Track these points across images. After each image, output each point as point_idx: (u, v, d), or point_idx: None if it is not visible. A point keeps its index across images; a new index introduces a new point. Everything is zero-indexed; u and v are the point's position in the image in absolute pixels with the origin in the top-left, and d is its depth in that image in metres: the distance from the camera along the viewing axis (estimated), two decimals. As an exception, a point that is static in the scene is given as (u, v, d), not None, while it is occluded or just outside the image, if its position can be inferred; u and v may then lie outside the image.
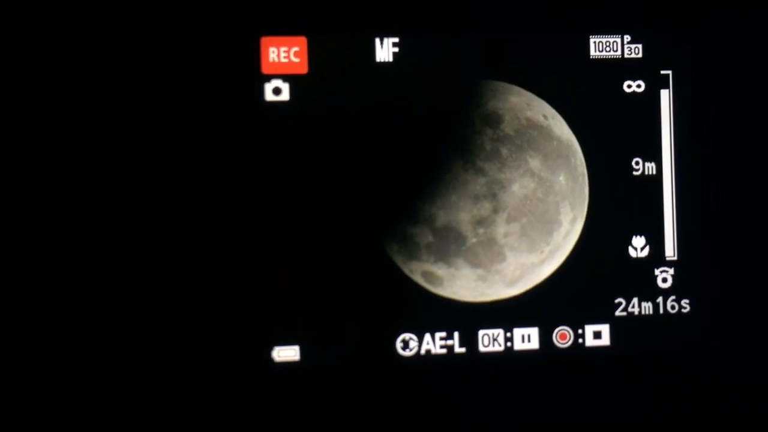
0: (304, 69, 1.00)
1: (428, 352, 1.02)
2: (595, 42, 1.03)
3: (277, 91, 1.00)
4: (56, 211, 0.99)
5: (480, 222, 1.00)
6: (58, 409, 0.99)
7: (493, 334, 1.03)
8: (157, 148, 1.00)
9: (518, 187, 1.01)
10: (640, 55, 1.04)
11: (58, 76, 0.99)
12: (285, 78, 1.00)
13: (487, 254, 1.01)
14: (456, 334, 1.02)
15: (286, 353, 1.01)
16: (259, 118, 1.00)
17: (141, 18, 0.99)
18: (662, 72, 1.04)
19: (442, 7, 1.02)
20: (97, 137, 0.99)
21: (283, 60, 1.00)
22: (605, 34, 1.04)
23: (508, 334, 1.03)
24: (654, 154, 1.04)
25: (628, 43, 1.03)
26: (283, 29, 1.00)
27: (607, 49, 1.04)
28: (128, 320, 0.99)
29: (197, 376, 1.00)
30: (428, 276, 1.01)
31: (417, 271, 1.01)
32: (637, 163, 1.03)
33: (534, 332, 1.03)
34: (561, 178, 1.03)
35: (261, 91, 1.00)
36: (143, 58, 0.99)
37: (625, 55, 1.04)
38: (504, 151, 1.01)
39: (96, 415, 0.99)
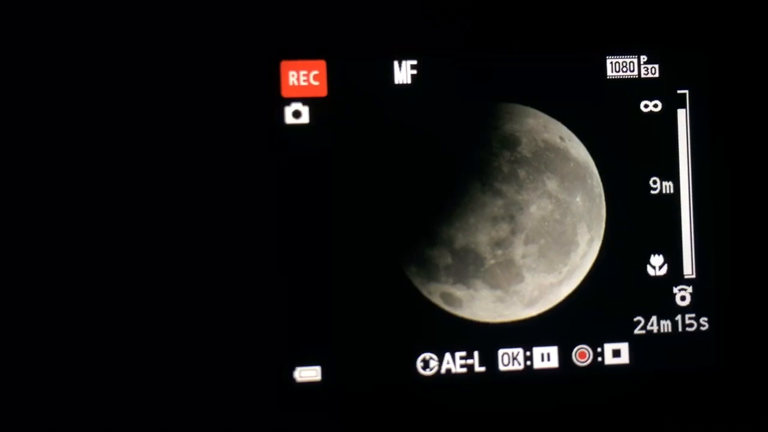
0: (323, 92, 1.01)
1: (448, 371, 1.02)
2: (611, 62, 1.04)
3: (297, 114, 1.01)
4: (77, 229, 0.99)
5: (498, 243, 1.01)
6: (76, 418, 0.99)
7: (512, 353, 1.03)
8: (179, 169, 1.00)
9: (536, 209, 1.01)
10: (656, 75, 1.04)
11: (80, 95, 0.99)
12: (305, 101, 1.01)
13: (505, 275, 1.02)
14: (476, 354, 1.02)
15: (308, 373, 1.01)
16: (279, 141, 1.01)
17: (166, 42, 1.00)
18: (679, 91, 1.04)
19: (460, 29, 1.03)
20: (120, 159, 0.99)
21: (302, 83, 1.01)
22: (622, 55, 1.04)
23: (528, 353, 1.03)
24: (671, 173, 1.04)
25: (645, 63, 1.04)
26: (303, 53, 1.01)
27: (624, 69, 1.04)
28: (150, 341, 0.99)
29: (220, 396, 1.00)
30: (447, 297, 1.02)
31: (436, 293, 1.02)
32: (654, 182, 1.03)
33: (553, 351, 1.03)
34: (578, 200, 1.03)
35: (281, 114, 1.01)
36: (167, 82, 1.00)
37: (642, 75, 1.04)
38: (521, 173, 1.01)
39: (113, 430, 0.99)
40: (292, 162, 1.01)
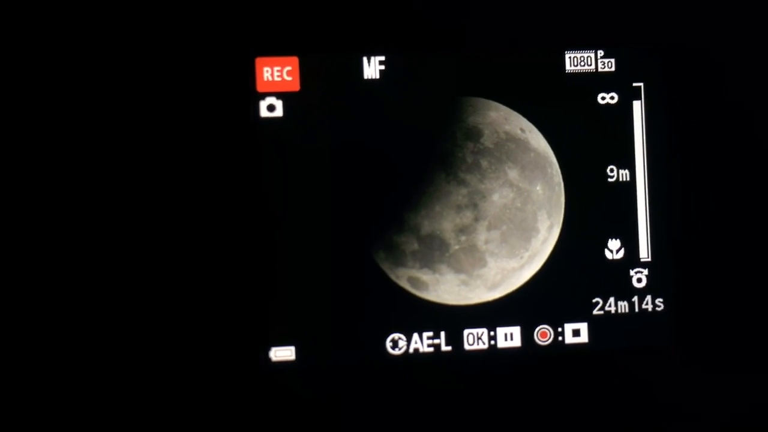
0: (296, 87, 1.02)
1: (416, 350, 1.03)
2: (570, 57, 1.05)
3: (271, 107, 1.02)
4: (59, 211, 0.99)
5: (462, 230, 1.02)
6: (54, 405, 1.00)
7: (477, 333, 1.04)
8: (160, 158, 1.00)
9: (498, 197, 1.02)
10: (613, 69, 1.05)
11: (57, 89, 1.00)
12: (278, 95, 1.02)
13: (469, 260, 1.03)
14: (442, 334, 1.03)
15: (282, 353, 1.03)
16: (254, 133, 1.02)
17: (145, 40, 1.00)
18: (634, 84, 1.05)
19: (426, 27, 1.03)
20: (103, 147, 1.00)
21: (276, 78, 1.02)
22: (580, 50, 1.05)
23: (492, 333, 1.04)
24: (628, 162, 1.05)
25: (602, 57, 1.05)
26: (277, 50, 1.02)
27: (582, 63, 1.05)
28: (132, 321, 1.00)
29: (198, 375, 1.01)
30: (414, 281, 1.03)
31: (403, 277, 1.03)
32: (611, 171, 1.05)
33: (516, 331, 1.04)
34: (538, 188, 1.04)
35: (256, 108, 1.02)
36: (146, 78, 1.00)
37: (599, 69, 1.05)
38: (484, 163, 1.02)
39: (93, 412, 1.00)
40: (267, 153, 1.02)
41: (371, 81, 1.03)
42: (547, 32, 1.05)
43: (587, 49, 1.05)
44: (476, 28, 1.04)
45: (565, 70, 1.05)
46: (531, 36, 1.04)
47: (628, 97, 1.05)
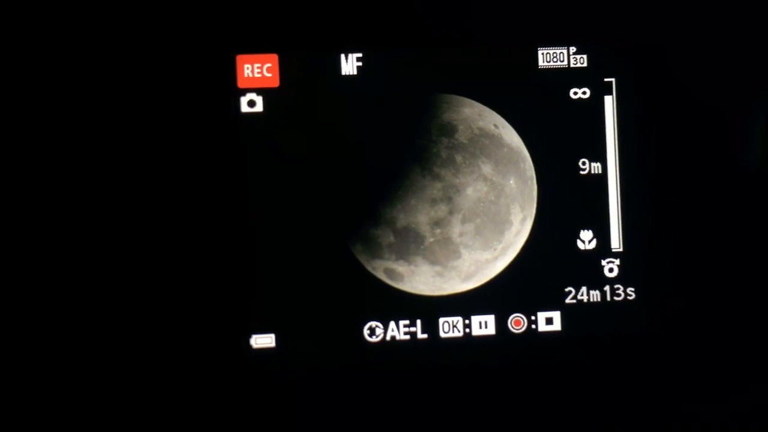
0: (276, 83, 1.03)
1: (393, 338, 1.04)
2: (543, 53, 1.05)
3: (251, 103, 1.02)
4: (39, 200, 1.00)
5: (437, 223, 1.02)
6: (35, 391, 1.00)
7: (452, 322, 1.05)
8: (142, 151, 1.01)
9: (472, 191, 1.03)
10: (585, 65, 1.05)
11: (36, 87, 1.00)
12: (259, 91, 1.03)
13: (443, 252, 1.03)
14: (418, 322, 1.04)
15: (263, 340, 1.04)
16: (235, 128, 1.03)
17: (129, 38, 1.00)
18: (606, 79, 1.06)
19: (402, 25, 1.03)
20: (90, 139, 1.00)
21: (256, 75, 1.03)
22: (552, 47, 1.05)
23: (467, 322, 1.05)
24: (599, 155, 1.05)
25: (574, 53, 1.05)
26: (257, 48, 1.02)
27: (554, 59, 1.05)
28: (124, 312, 1.00)
29: (181, 362, 1.02)
30: (390, 273, 1.04)
31: (380, 269, 1.03)
32: (583, 164, 1.05)
33: (491, 319, 1.05)
34: (511, 182, 1.04)
35: (237, 104, 1.02)
36: (132, 74, 1.00)
37: (571, 65, 1.05)
38: (458, 158, 1.03)
39: (76, 399, 1.00)
40: (248, 147, 1.03)
41: (349, 77, 1.04)
42: (520, 29, 1.05)
43: (560, 46, 1.05)
44: (450, 25, 1.04)
45: (537, 66, 1.05)
46: (504, 33, 1.05)
47: (599, 92, 1.06)
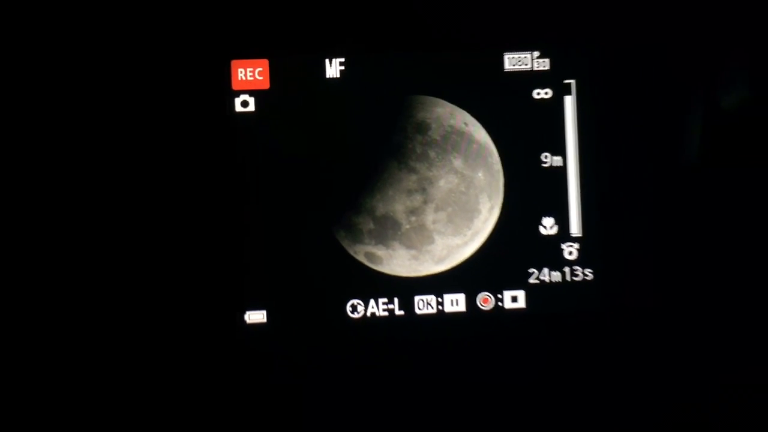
0: (266, 85, 1.04)
1: (373, 314, 1.05)
2: (509, 57, 1.06)
3: (245, 103, 1.04)
4: (38, 204, 1.02)
5: (412, 211, 1.05)
6: (38, 372, 1.02)
7: (426, 300, 1.06)
8: (144, 146, 1.03)
9: (444, 183, 1.05)
10: (547, 68, 1.06)
11: (35, 88, 1.02)
12: (251, 93, 1.04)
13: (418, 238, 1.05)
14: (396, 300, 1.06)
15: (256, 316, 1.05)
16: (230, 126, 1.04)
17: (133, 43, 1.02)
18: (566, 81, 1.07)
19: (381, 32, 1.05)
20: (90, 139, 1.02)
21: (249, 78, 1.04)
22: (517, 51, 1.06)
23: (440, 300, 1.06)
24: (560, 149, 1.07)
25: (537, 58, 1.06)
26: (249, 53, 1.04)
27: (519, 63, 1.06)
28: (123, 292, 1.03)
29: (180, 336, 1.03)
30: (370, 256, 1.05)
31: (361, 253, 1.05)
32: (545, 157, 1.06)
33: (461, 297, 1.06)
34: (480, 174, 1.06)
35: (232, 104, 1.04)
36: (136, 77, 1.02)
37: (535, 68, 1.06)
38: (432, 154, 1.05)
39: (79, 376, 1.02)
40: (242, 143, 1.04)
41: (333, 80, 1.05)
42: (488, 35, 1.06)
43: (524, 51, 1.06)
44: (424, 32, 1.06)
45: (503, 69, 1.06)
46: (473, 39, 1.06)
47: (560, 92, 1.06)
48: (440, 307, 1.07)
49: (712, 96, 1.05)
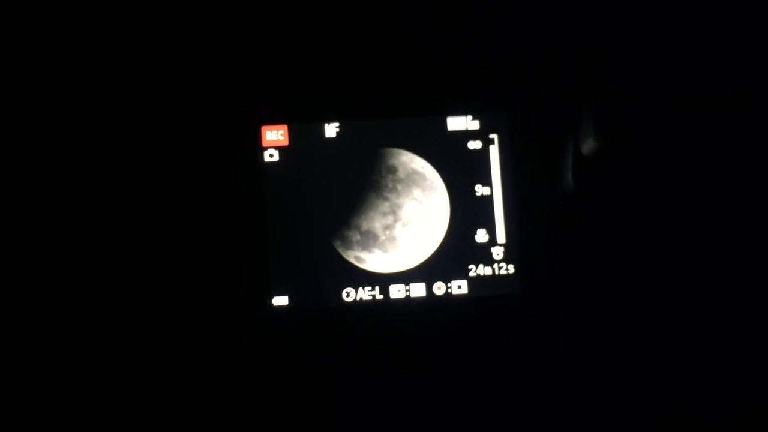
0: (286, 143, 1.23)
1: (361, 299, 1.23)
2: (450, 120, 1.26)
3: (271, 155, 1.23)
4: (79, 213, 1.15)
5: (387, 227, 1.23)
6: (63, 344, 1.11)
7: (398, 288, 1.24)
8: (200, 186, 1.18)
9: (408, 207, 1.24)
10: (478, 127, 1.26)
11: (92, 133, 1.15)
12: (276, 148, 1.23)
13: (391, 246, 1.24)
14: (377, 288, 1.23)
15: (280, 300, 1.21)
16: (261, 171, 1.23)
17: (196, 112, 1.19)
18: (491, 136, 1.26)
19: (365, 103, 1.24)
20: (163, 177, 1.17)
21: (274, 138, 1.23)
22: (456, 115, 1.26)
23: (407, 288, 1.24)
24: (488, 183, 1.25)
25: (470, 120, 1.26)
26: (274, 120, 1.24)
27: (458, 124, 1.26)
28: (164, 283, 1.15)
29: (217, 319, 1.17)
30: (358, 258, 1.23)
31: (351, 256, 1.23)
32: (478, 188, 1.25)
33: (422, 286, 1.24)
34: (433, 201, 1.24)
35: (262, 156, 1.23)
36: (188, 138, 1.19)
37: (469, 128, 1.26)
38: (399, 187, 1.24)
39: (120, 353, 1.12)
40: (269, 184, 1.23)
41: (330, 139, 1.25)
42: (435, 104, 1.25)
43: (461, 115, 1.27)
44: (396, 104, 1.26)
45: (447, 128, 1.26)
46: (425, 107, 1.25)
47: (487, 143, 1.26)
48: (408, 293, 1.24)
49: (576, 145, 1.22)
